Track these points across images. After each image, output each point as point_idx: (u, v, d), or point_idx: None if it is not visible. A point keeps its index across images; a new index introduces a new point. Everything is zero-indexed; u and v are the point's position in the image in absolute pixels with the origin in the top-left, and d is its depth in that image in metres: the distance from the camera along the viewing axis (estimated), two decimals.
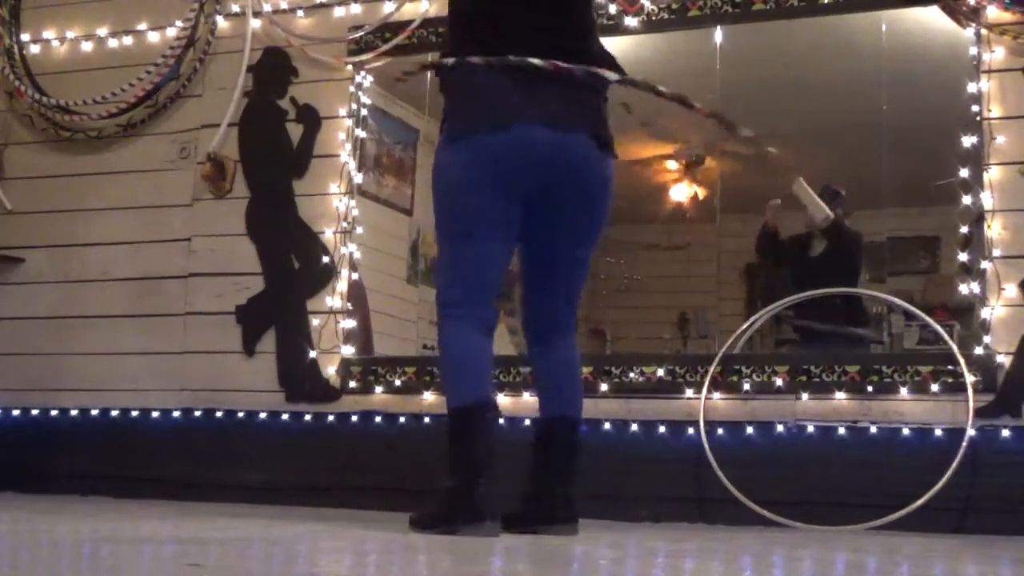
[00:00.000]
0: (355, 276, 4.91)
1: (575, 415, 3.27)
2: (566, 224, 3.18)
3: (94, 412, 5.09)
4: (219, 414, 4.89)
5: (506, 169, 3.06)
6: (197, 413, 4.93)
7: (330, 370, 4.77)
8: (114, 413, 5.06)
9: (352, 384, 4.73)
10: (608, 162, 3.19)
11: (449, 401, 3.09)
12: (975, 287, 4.10)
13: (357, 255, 4.91)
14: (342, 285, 4.83)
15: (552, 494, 3.18)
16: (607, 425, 4.34)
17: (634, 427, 4.31)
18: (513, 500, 3.18)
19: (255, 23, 5.11)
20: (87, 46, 5.45)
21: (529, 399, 4.44)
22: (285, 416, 4.80)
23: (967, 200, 4.19)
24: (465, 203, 3.10)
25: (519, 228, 3.17)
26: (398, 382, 4.66)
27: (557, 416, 3.24)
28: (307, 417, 4.77)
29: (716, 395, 4.26)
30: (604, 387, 4.39)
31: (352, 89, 4.96)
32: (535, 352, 3.32)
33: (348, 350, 4.77)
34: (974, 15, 4.20)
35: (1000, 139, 4.13)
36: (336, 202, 4.90)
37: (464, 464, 2.99)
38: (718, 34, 4.77)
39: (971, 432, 3.89)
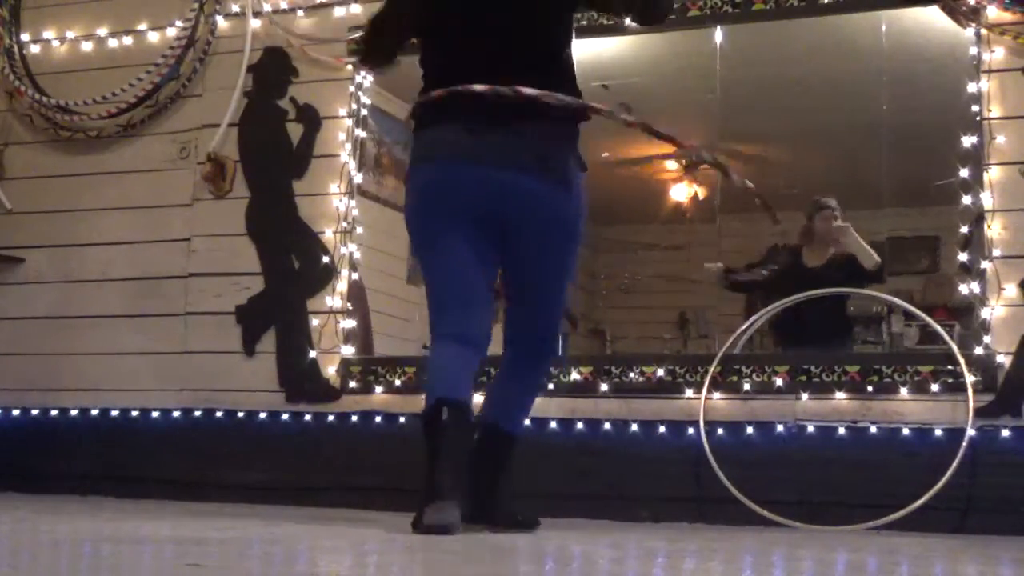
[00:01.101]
0: (355, 276, 4.91)
1: (510, 431, 3.35)
2: (520, 252, 3.24)
3: (94, 412, 5.09)
4: (219, 414, 4.89)
5: (441, 196, 3.16)
6: (197, 413, 4.93)
7: (330, 370, 4.77)
8: (114, 413, 5.06)
9: (352, 384, 4.73)
10: (558, 194, 3.16)
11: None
12: (975, 287, 4.10)
13: (357, 255, 4.91)
14: (342, 285, 4.83)
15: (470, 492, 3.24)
16: (607, 425, 4.34)
17: (634, 427, 4.31)
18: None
19: (255, 23, 5.11)
20: (87, 46, 5.45)
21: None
22: (285, 416, 4.80)
23: (967, 200, 4.19)
24: (419, 227, 3.23)
25: (493, 250, 3.24)
26: (398, 382, 4.66)
27: (493, 426, 3.34)
28: (307, 417, 4.77)
29: (716, 395, 4.26)
30: (604, 387, 4.39)
31: (352, 89, 4.96)
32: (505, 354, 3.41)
33: (348, 350, 4.77)
34: (974, 15, 4.20)
35: (1000, 139, 4.13)
36: (336, 202, 4.90)
37: (427, 455, 3.02)
38: (718, 34, 4.77)
39: (971, 432, 3.89)
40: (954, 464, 3.83)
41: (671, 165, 6.91)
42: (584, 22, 4.56)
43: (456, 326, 3.17)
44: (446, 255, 3.19)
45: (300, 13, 5.10)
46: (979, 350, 4.02)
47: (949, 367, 4.02)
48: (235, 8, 5.18)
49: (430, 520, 2.88)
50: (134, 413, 5.03)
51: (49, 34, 5.51)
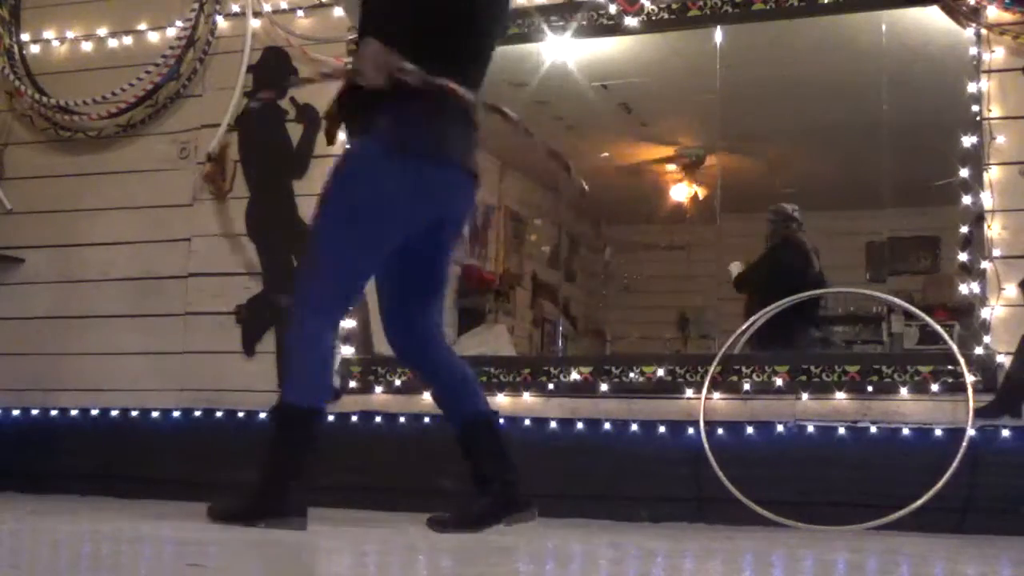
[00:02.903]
0: None
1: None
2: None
3: (94, 412, 5.08)
4: (219, 414, 4.89)
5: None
6: (197, 413, 4.92)
7: None
8: (114, 413, 5.05)
9: (352, 384, 4.72)
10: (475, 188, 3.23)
11: (292, 397, 3.06)
12: (975, 287, 4.09)
13: None
14: None
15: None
16: (607, 425, 4.34)
17: (634, 427, 4.31)
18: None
19: (255, 23, 5.11)
20: (87, 46, 5.45)
21: (528, 399, 4.44)
22: None
23: (967, 200, 4.18)
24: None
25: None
26: (398, 382, 4.66)
27: None
28: None
29: (716, 395, 4.26)
30: (604, 387, 4.38)
31: None
32: None
33: (348, 350, 4.77)
34: (974, 15, 4.20)
35: (1000, 139, 4.13)
36: None
37: (286, 464, 2.97)
38: (718, 34, 4.77)
39: (971, 432, 3.88)
40: (954, 464, 3.83)
41: (672, 165, 6.91)
42: (584, 22, 4.56)
43: None
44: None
45: (300, 13, 5.09)
46: (979, 350, 4.02)
47: (949, 367, 4.02)
48: (235, 8, 5.17)
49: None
50: (134, 413, 5.02)
51: (49, 34, 5.50)
